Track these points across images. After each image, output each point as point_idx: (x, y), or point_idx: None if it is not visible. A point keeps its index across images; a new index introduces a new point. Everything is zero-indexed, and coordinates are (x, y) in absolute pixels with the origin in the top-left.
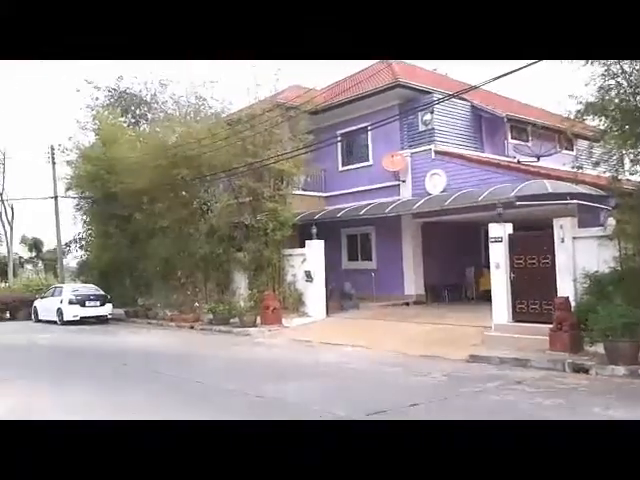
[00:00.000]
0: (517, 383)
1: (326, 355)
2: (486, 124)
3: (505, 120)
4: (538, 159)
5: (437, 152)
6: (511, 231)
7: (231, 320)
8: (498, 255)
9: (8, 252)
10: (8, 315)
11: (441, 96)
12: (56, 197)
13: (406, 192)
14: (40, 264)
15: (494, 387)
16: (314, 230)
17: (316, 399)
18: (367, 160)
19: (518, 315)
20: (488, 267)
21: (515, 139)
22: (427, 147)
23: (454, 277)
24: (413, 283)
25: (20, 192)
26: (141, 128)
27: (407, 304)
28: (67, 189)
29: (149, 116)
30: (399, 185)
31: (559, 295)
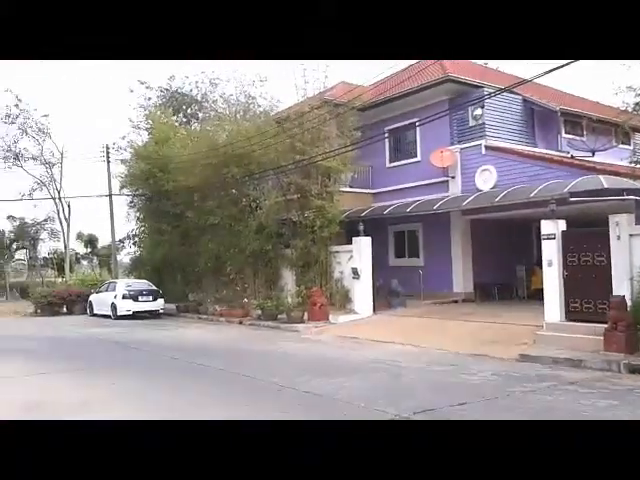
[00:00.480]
0: (570, 383)
1: (373, 352)
2: (538, 118)
3: (559, 114)
4: (593, 154)
5: (488, 147)
6: (564, 228)
7: (279, 316)
8: (550, 252)
9: (65, 248)
10: (65, 309)
11: (492, 90)
12: (111, 195)
13: (455, 188)
14: (95, 260)
15: (546, 387)
16: (361, 227)
17: (363, 396)
18: (415, 156)
19: (571, 314)
20: (540, 265)
21: (569, 133)
22: (477, 142)
23: (504, 275)
24: (462, 281)
25: (76, 190)
26: (192, 127)
27: (456, 302)
28: (121, 187)
29: (200, 115)
30: (448, 181)
31: (614, 294)
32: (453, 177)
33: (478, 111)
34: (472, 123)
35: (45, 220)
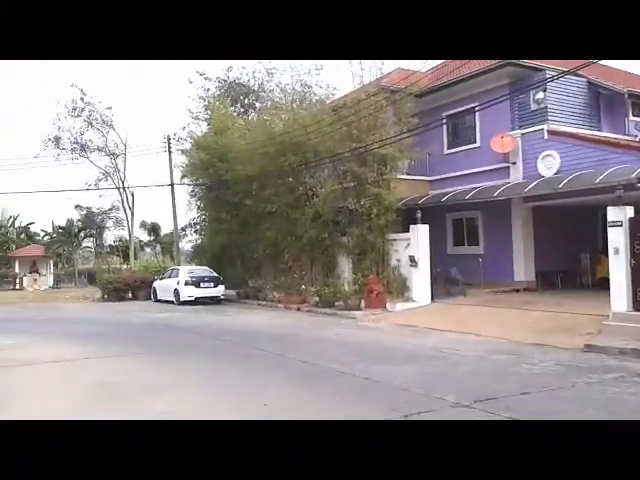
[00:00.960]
0: (638, 375)
1: (432, 340)
2: (604, 101)
3: (626, 96)
4: None
5: (550, 132)
6: (632, 214)
7: (336, 303)
8: (617, 240)
9: (129, 236)
10: (130, 295)
11: (554, 73)
12: (172, 184)
13: (516, 175)
14: (158, 247)
15: (612, 379)
16: (418, 215)
17: (422, 383)
18: (474, 142)
19: (639, 304)
20: (605, 253)
21: (637, 116)
22: (539, 127)
23: (568, 263)
24: (523, 269)
25: (140, 180)
26: (249, 117)
27: (517, 291)
28: (182, 176)
29: (257, 105)
30: (509, 167)
31: None
32: (514, 163)
33: (540, 95)
34: (534, 107)
35: (110, 209)
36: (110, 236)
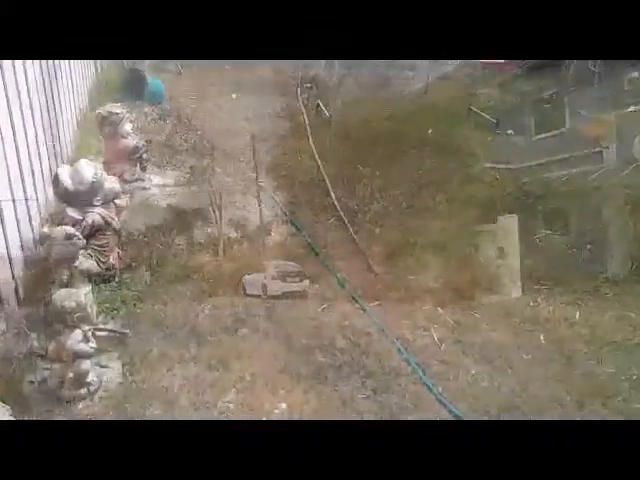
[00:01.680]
0: None
1: (535, 336)
2: None
3: None
4: None
5: None
6: None
7: None
8: None
9: (218, 233)
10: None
11: None
12: (257, 182)
13: (610, 159)
14: (245, 243)
15: None
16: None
17: (535, 381)
18: (563, 126)
19: None
20: None
21: None
22: (634, 108)
23: None
24: (620, 260)
25: (225, 179)
26: (328, 114)
27: (613, 282)
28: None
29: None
30: (601, 152)
31: None
32: (607, 147)
33: (634, 74)
34: (627, 87)
35: (199, 208)
36: (200, 234)
